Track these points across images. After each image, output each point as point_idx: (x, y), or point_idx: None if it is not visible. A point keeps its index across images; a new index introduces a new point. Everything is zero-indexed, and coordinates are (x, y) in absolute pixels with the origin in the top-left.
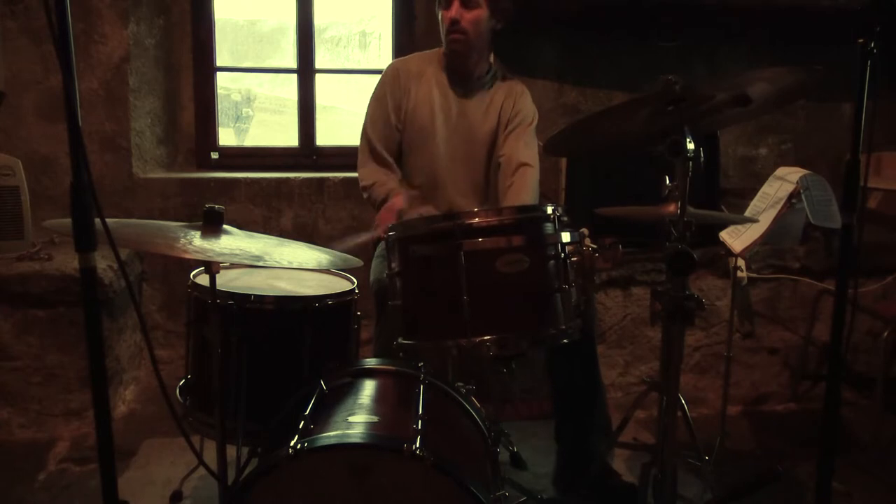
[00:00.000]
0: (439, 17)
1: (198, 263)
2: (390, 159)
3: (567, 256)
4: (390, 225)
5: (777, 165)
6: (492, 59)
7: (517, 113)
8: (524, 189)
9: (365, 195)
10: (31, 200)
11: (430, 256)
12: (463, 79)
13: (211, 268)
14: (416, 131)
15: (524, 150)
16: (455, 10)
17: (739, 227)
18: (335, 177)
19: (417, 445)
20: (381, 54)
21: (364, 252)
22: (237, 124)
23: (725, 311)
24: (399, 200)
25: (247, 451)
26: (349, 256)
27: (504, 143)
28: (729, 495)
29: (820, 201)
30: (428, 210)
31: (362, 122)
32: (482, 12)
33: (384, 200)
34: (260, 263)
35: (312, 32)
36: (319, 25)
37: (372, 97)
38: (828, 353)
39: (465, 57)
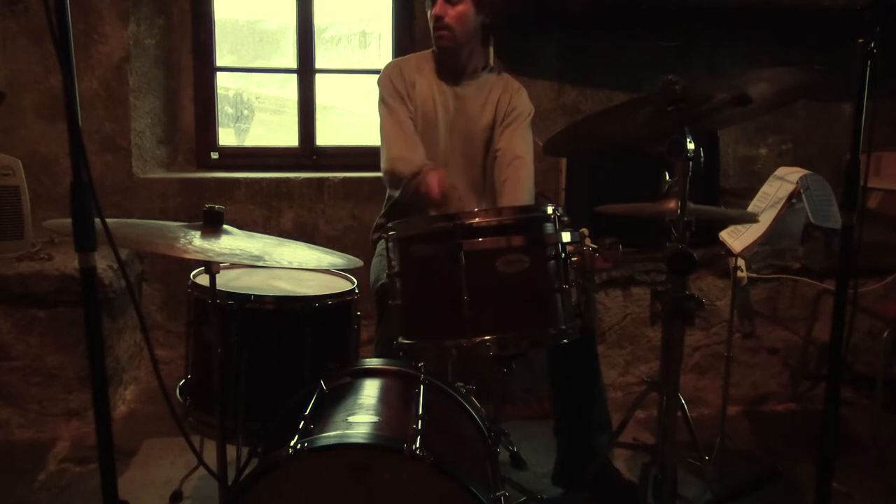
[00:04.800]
0: (428, 16)
1: (198, 263)
2: (416, 135)
3: (567, 256)
4: (390, 225)
5: (777, 165)
6: (491, 58)
7: (513, 108)
8: (519, 183)
9: (387, 175)
10: (31, 200)
11: (430, 256)
12: (457, 75)
13: (211, 268)
14: (421, 125)
15: (519, 143)
16: (439, 6)
17: (739, 227)
18: (335, 177)
19: (417, 445)
20: (381, 54)
21: (364, 252)
22: (237, 124)
23: (725, 311)
24: (439, 173)
25: (247, 451)
26: (349, 256)
27: (500, 137)
28: (729, 495)
29: (820, 201)
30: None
31: (362, 122)
32: (466, 7)
33: (415, 174)
34: (260, 263)
35: (312, 32)
36: (319, 25)
37: (382, 92)
38: (828, 353)
39: (454, 52)
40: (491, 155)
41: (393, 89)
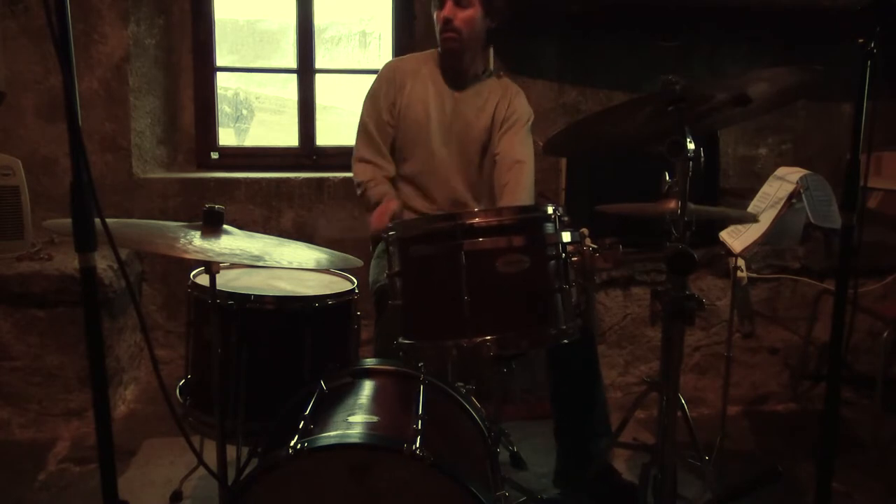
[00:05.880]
0: (434, 17)
1: (198, 263)
2: (387, 152)
3: (567, 256)
4: (388, 225)
5: (777, 165)
6: (491, 60)
7: (512, 112)
8: (519, 186)
9: (358, 191)
10: (31, 200)
11: (430, 256)
12: (458, 77)
13: (211, 268)
14: (411, 127)
15: (519, 147)
16: (448, 9)
17: (739, 227)
18: (335, 177)
19: (417, 445)
20: (381, 54)
21: (364, 252)
22: (237, 124)
23: (725, 311)
24: (393, 204)
25: (247, 451)
26: (349, 256)
27: (499, 141)
28: (729, 495)
29: (820, 201)
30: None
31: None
32: (475, 11)
33: (377, 203)
34: (260, 263)
35: (312, 32)
36: (319, 25)
37: (367, 94)
38: (828, 353)
39: (459, 55)
40: (489, 158)
41: (376, 97)
